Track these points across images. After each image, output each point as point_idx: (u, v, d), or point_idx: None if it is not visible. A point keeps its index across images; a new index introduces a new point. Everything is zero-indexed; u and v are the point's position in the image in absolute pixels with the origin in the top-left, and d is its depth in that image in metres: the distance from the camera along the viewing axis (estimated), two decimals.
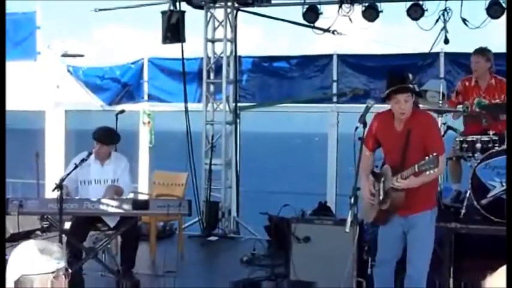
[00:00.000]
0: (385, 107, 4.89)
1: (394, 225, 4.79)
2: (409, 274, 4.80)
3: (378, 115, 4.91)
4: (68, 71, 10.75)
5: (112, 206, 6.02)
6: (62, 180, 5.87)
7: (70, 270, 2.60)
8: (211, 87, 9.96)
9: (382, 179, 4.70)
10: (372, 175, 4.83)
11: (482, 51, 6.88)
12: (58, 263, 2.54)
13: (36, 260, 2.52)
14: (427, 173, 4.38)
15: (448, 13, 8.59)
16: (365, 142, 4.80)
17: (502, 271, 1.98)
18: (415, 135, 4.62)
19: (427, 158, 4.36)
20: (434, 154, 4.32)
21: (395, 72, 5.02)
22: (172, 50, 9.63)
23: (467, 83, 6.95)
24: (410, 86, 4.64)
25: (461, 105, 6.97)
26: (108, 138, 6.59)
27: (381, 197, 4.70)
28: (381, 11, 8.94)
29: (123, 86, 10.68)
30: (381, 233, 4.99)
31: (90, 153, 6.32)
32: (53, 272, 2.51)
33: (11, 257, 2.54)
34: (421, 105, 7.02)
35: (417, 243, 4.78)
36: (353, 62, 9.65)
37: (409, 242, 4.81)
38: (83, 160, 6.18)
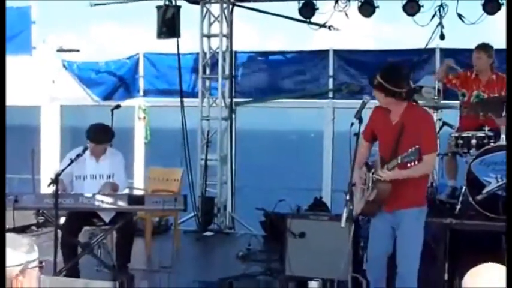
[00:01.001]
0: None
1: (382, 221, 4.80)
2: (399, 272, 4.81)
3: (377, 107, 4.94)
4: (63, 66, 10.73)
5: (107, 202, 6.01)
6: (58, 175, 5.86)
7: (43, 263, 2.58)
8: (207, 83, 9.96)
9: (372, 170, 4.72)
10: (365, 166, 4.84)
11: (484, 47, 6.87)
12: (26, 255, 2.51)
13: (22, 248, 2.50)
14: (409, 165, 4.42)
15: (444, 9, 8.60)
16: (363, 132, 4.85)
17: (477, 271, 1.98)
18: (408, 129, 4.64)
19: (409, 150, 4.40)
20: (417, 147, 4.37)
21: (390, 69, 4.98)
22: (168, 45, 9.62)
23: (468, 73, 6.97)
24: (385, 84, 4.65)
25: (456, 89, 7.00)
26: (101, 137, 6.54)
27: (368, 188, 4.72)
28: (377, 7, 8.94)
29: (118, 81, 10.67)
30: (371, 228, 5.00)
31: (85, 148, 6.31)
32: (19, 265, 2.48)
33: None
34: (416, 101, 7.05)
35: (404, 240, 4.79)
36: (349, 58, 9.65)
37: (398, 239, 4.82)
38: (78, 155, 6.16)
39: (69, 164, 6.11)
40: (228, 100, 9.87)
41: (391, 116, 4.77)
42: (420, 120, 4.75)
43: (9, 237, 2.56)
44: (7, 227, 7.00)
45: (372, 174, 4.70)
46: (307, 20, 9.39)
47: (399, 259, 4.81)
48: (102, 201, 6.00)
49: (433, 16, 8.61)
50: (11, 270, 2.44)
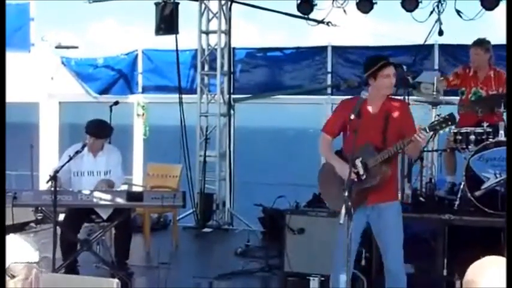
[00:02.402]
0: None
1: (358, 215, 4.60)
2: (391, 270, 4.79)
3: (346, 101, 4.98)
4: (62, 62, 10.73)
5: (106, 198, 6.02)
6: (56, 171, 5.86)
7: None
8: (206, 79, 9.95)
9: (360, 159, 4.69)
10: (347, 158, 4.83)
11: (481, 43, 6.87)
12: (38, 255, 2.57)
13: (24, 251, 2.55)
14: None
15: (442, 5, 8.59)
16: (326, 128, 4.94)
17: (478, 266, 1.98)
18: (394, 118, 4.72)
19: (440, 118, 4.55)
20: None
21: (376, 55, 5.24)
22: (167, 42, 9.62)
23: (467, 70, 6.98)
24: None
25: (458, 89, 7.02)
26: (100, 132, 6.58)
27: (363, 176, 4.69)
28: (375, 3, 8.93)
29: (116, 75, 10.66)
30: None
31: (84, 145, 6.31)
32: (37, 263, 2.54)
33: None
34: (415, 97, 7.06)
35: (392, 235, 4.77)
36: (347, 54, 9.65)
37: (380, 233, 4.77)
38: (77, 152, 6.17)
39: (68, 161, 6.12)
40: (226, 96, 9.86)
41: (368, 107, 4.78)
42: (403, 110, 4.88)
43: (21, 237, 2.61)
44: (6, 223, 7.01)
45: (365, 161, 4.67)
46: (306, 16, 9.38)
47: (386, 254, 4.79)
48: (101, 198, 6.00)
49: (432, 12, 8.60)
50: (31, 267, 2.49)
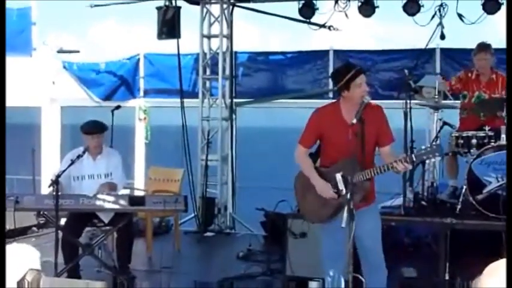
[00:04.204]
0: (378, 103, 4.91)
1: (340, 219, 4.56)
2: (374, 263, 4.80)
3: (320, 110, 4.88)
4: (64, 66, 10.74)
5: (108, 202, 6.02)
6: (58, 176, 5.87)
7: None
8: (207, 83, 9.96)
9: (341, 173, 4.65)
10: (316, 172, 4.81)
11: (488, 47, 6.87)
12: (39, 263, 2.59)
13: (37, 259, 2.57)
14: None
15: (444, 9, 8.60)
16: (303, 140, 4.82)
17: (491, 270, 1.97)
18: (369, 126, 4.56)
19: (427, 147, 4.45)
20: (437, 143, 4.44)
21: (344, 64, 5.06)
22: (168, 46, 9.62)
23: (469, 74, 6.97)
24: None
25: (459, 92, 7.02)
26: (95, 128, 6.57)
27: (343, 191, 4.66)
28: (377, 7, 8.93)
29: (118, 81, 10.67)
30: (328, 228, 4.83)
31: (85, 150, 6.32)
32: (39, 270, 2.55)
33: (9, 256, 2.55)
34: (417, 101, 7.06)
35: (374, 233, 4.80)
36: (349, 58, 9.64)
37: (364, 234, 4.69)
38: (79, 156, 6.18)
39: (69, 165, 6.13)
40: (228, 100, 9.87)
41: (343, 116, 4.70)
42: (379, 115, 4.76)
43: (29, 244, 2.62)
44: (8, 227, 7.04)
45: (347, 176, 4.58)
46: (307, 20, 9.39)
47: (371, 250, 4.77)
48: (103, 202, 6.01)
49: (433, 16, 8.60)
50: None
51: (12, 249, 2.55)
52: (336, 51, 9.69)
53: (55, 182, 5.74)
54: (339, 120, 4.72)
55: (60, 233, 6.11)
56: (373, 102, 4.79)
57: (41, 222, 8.56)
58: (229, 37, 9.85)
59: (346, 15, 9.07)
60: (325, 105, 4.96)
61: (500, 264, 1.96)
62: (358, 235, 4.62)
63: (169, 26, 9.30)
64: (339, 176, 4.66)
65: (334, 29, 9.54)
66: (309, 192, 4.83)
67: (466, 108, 6.95)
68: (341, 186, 4.65)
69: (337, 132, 4.71)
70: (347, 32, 9.65)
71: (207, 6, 9.80)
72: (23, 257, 2.54)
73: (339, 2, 9.00)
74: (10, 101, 6.48)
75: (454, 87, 7.04)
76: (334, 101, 5.05)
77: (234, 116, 10.00)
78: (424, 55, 9.00)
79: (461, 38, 9.15)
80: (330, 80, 9.66)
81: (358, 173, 4.53)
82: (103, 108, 10.00)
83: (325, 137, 4.81)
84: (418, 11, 8.68)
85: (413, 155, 4.49)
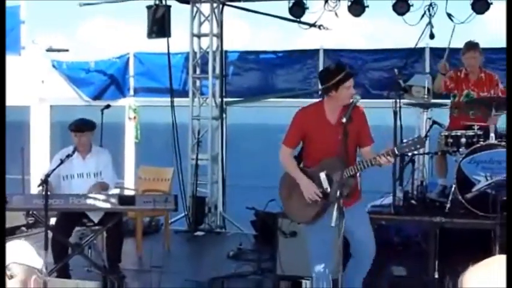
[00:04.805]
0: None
1: (329, 218, 4.56)
2: (366, 253, 4.84)
3: (304, 109, 4.92)
4: (53, 65, 10.70)
5: (98, 201, 6.00)
6: (47, 176, 5.84)
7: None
8: (198, 82, 9.95)
9: (325, 172, 4.68)
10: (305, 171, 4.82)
11: (477, 46, 6.92)
12: (42, 263, 2.58)
13: (32, 256, 2.56)
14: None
15: (433, 8, 8.62)
16: (287, 141, 4.86)
17: (475, 269, 1.98)
18: (352, 126, 4.56)
19: (409, 140, 4.51)
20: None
21: (336, 65, 5.02)
22: (158, 45, 9.60)
23: (458, 73, 7.02)
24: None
25: (451, 92, 7.05)
26: (83, 126, 6.55)
27: (327, 189, 4.69)
28: (367, 6, 8.95)
29: (108, 80, 10.64)
30: (315, 228, 4.85)
31: (75, 149, 6.29)
32: (39, 270, 2.54)
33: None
34: (406, 100, 7.08)
35: (364, 227, 4.85)
36: (339, 57, 9.65)
37: (355, 229, 4.72)
38: (68, 155, 6.15)
39: (59, 164, 6.10)
40: (218, 99, 9.86)
41: (327, 116, 4.76)
42: (361, 116, 4.82)
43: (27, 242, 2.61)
44: None
45: (331, 175, 4.65)
46: (298, 20, 9.39)
47: (362, 242, 4.81)
48: (93, 202, 5.99)
49: (423, 15, 8.62)
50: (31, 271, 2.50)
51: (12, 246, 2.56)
52: (326, 51, 9.70)
53: (44, 182, 5.71)
54: (322, 120, 4.76)
55: (50, 233, 6.08)
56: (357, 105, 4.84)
57: (30, 222, 8.53)
58: (220, 36, 9.84)
59: (336, 14, 9.09)
60: (308, 105, 5.00)
61: (490, 262, 1.97)
62: (349, 230, 4.65)
63: (159, 24, 9.27)
64: (323, 175, 4.69)
65: (324, 28, 9.55)
66: (294, 193, 4.85)
67: (457, 107, 6.98)
68: (325, 185, 4.68)
69: (321, 131, 4.75)
70: (337, 31, 9.67)
71: (197, 5, 9.78)
72: (22, 254, 2.54)
73: (329, 1, 9.01)
74: None
75: (450, 87, 7.07)
76: (317, 100, 5.08)
77: (224, 115, 10.00)
78: (413, 54, 9.02)
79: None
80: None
81: (342, 171, 4.55)
82: (93, 108, 9.96)
83: (308, 136, 4.84)
84: (408, 10, 8.70)
85: (395, 148, 4.54)
